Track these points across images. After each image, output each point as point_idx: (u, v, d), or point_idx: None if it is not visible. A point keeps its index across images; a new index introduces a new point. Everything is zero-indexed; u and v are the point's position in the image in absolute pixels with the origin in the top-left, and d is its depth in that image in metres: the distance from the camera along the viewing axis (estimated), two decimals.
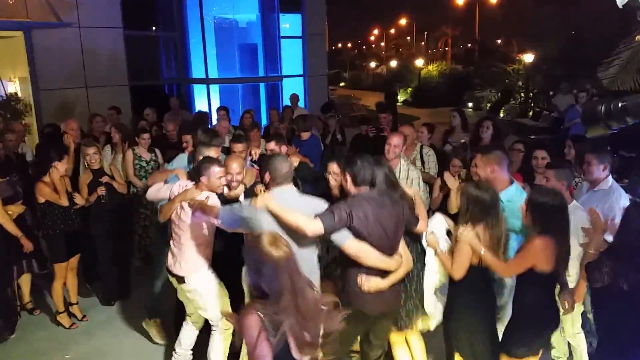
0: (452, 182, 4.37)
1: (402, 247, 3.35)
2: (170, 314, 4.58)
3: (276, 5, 13.14)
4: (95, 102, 9.93)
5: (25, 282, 5.26)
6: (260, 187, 3.36)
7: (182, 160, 4.75)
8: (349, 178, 3.22)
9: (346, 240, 3.08)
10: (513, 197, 3.63)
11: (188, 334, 4.08)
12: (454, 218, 3.64)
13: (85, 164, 5.22)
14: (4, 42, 9.92)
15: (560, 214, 3.12)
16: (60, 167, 4.75)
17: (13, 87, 10.32)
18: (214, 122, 8.70)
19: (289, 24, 14.27)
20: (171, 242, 3.86)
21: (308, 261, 3.18)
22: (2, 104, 8.94)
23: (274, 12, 13.19)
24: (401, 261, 3.26)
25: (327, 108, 10.47)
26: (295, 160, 4.67)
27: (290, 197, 3.19)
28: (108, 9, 10.44)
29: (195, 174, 3.86)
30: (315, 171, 5.03)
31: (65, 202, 4.76)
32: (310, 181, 4.51)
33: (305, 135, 6.79)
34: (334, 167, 3.84)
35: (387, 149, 4.60)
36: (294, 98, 10.80)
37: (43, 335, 4.96)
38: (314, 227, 2.96)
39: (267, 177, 3.20)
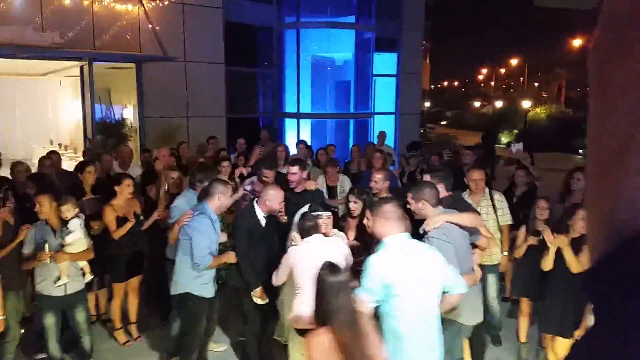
0: (559, 240, 4.29)
1: None
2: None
3: (372, 45, 13.40)
4: (195, 130, 10.66)
5: (102, 294, 5.67)
6: None
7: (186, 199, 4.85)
8: (426, 204, 3.65)
9: None
10: None
11: None
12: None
13: (166, 187, 5.56)
14: (120, 72, 11.06)
15: None
16: (122, 191, 5.10)
17: (126, 112, 11.43)
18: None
19: (386, 62, 14.44)
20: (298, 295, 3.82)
21: None
22: (111, 127, 9.87)
23: (369, 51, 13.45)
24: None
25: (412, 147, 10.37)
26: (311, 185, 5.44)
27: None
28: (212, 46, 11.24)
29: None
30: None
31: (115, 236, 5.02)
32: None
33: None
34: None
35: (472, 185, 5.12)
36: (381, 135, 10.84)
37: (111, 347, 5.28)
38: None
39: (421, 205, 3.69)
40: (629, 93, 0.60)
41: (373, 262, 2.97)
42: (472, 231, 3.87)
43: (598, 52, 0.64)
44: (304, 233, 3.89)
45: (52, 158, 6.79)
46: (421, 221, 3.70)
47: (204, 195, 4.45)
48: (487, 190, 5.31)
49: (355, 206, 4.41)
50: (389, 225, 3.07)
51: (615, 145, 0.59)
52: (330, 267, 2.72)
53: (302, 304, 3.72)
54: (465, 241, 3.77)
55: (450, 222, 3.63)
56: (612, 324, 0.54)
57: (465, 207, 4.14)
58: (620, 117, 0.60)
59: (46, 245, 4.25)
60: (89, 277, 4.63)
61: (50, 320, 4.43)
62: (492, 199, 5.27)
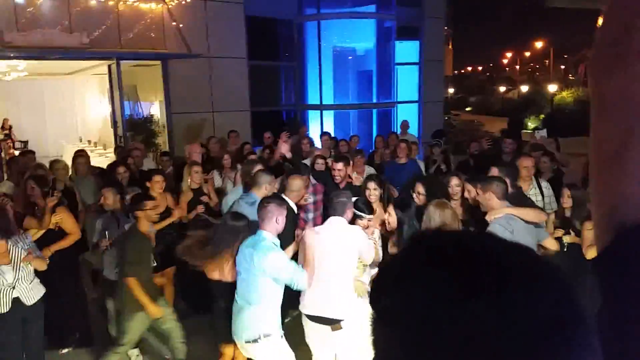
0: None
1: None
2: None
3: (393, 33, 13.34)
4: (220, 125, 10.81)
5: None
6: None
7: (237, 193, 5.22)
8: (493, 196, 3.87)
9: None
10: None
11: None
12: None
13: (189, 182, 5.74)
14: (147, 69, 11.26)
15: None
16: (153, 187, 5.34)
17: (154, 109, 11.65)
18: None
19: (407, 50, 14.36)
20: None
21: None
22: (139, 124, 10.09)
23: (390, 40, 13.40)
24: None
25: (436, 135, 10.35)
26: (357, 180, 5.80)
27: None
28: (234, 41, 11.35)
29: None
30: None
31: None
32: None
33: (403, 160, 6.94)
34: (419, 188, 4.56)
35: (524, 173, 5.13)
36: (404, 125, 10.86)
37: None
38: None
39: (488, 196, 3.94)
40: (621, 104, 0.67)
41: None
42: (539, 232, 4.07)
43: (594, 67, 0.72)
44: (331, 210, 4.01)
45: (84, 156, 7.02)
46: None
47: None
48: (534, 178, 5.39)
49: (375, 193, 4.67)
50: (273, 225, 3.73)
51: (612, 150, 0.68)
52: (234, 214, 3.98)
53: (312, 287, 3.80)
54: (530, 234, 3.90)
55: (513, 215, 3.81)
56: (611, 299, 0.64)
57: (529, 205, 4.36)
58: (614, 125, 0.68)
59: (107, 233, 4.60)
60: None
61: (112, 305, 4.78)
62: (539, 187, 5.35)
